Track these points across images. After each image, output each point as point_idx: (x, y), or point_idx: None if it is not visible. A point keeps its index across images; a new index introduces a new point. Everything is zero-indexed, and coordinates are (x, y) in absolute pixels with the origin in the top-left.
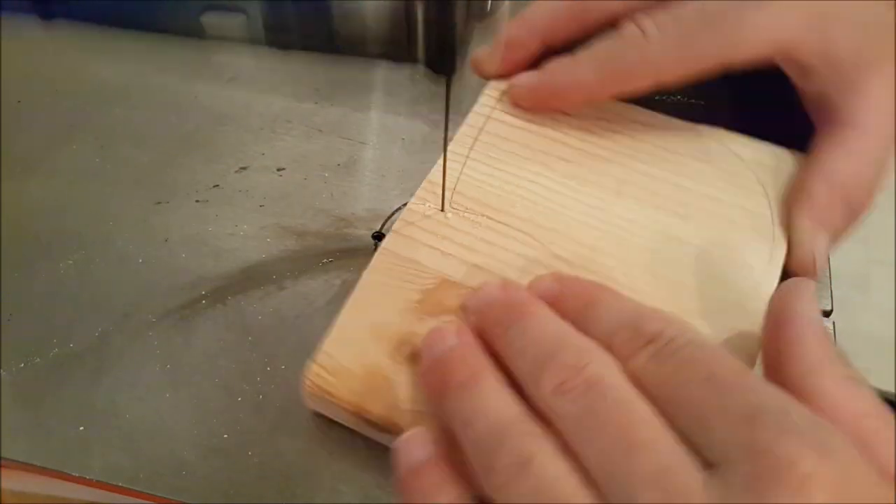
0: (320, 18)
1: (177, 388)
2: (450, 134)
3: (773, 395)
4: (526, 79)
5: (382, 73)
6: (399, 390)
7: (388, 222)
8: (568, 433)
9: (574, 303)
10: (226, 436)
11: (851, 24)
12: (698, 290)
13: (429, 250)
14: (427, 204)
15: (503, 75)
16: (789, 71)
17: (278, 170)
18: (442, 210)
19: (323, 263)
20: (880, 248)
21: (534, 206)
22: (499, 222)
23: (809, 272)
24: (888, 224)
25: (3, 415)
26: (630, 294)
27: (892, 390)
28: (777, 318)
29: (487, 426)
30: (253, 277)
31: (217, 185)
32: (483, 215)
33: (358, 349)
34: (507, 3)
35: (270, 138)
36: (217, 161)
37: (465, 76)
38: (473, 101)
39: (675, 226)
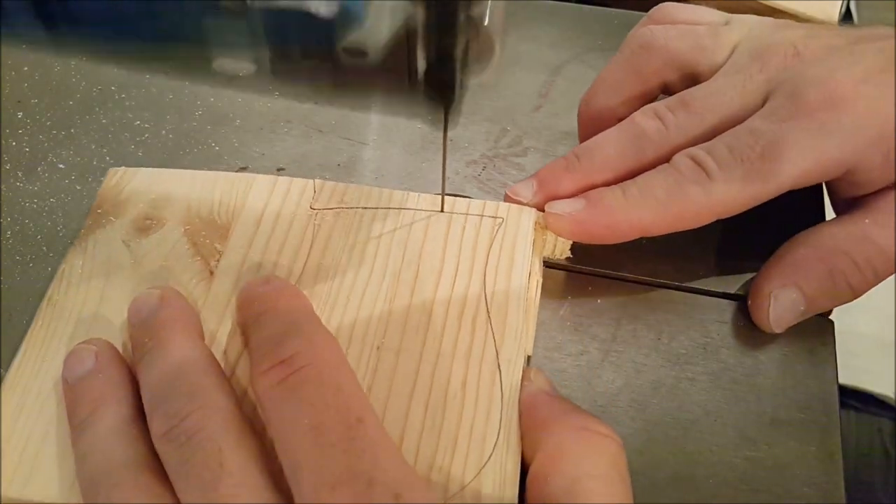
0: (325, 62)
1: None
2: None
3: (374, 464)
4: (570, 208)
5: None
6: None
7: None
8: (172, 480)
9: (256, 307)
10: None
11: None
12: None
13: None
14: None
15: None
16: (836, 182)
17: (278, 170)
18: (441, 211)
19: None
20: None
21: None
22: None
23: (763, 324)
24: None
25: None
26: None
27: (892, 391)
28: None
29: (88, 471)
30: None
31: None
32: None
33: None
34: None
35: (270, 138)
36: (217, 161)
37: (461, 103)
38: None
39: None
